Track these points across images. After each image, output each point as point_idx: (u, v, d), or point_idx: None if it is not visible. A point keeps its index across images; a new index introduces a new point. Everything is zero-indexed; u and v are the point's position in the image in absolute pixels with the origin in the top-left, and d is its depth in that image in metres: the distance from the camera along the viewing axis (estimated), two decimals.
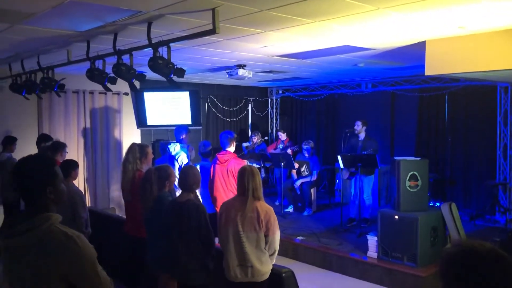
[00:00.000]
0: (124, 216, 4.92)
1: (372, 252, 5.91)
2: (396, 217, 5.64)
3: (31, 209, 1.94)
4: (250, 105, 11.28)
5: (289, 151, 8.75)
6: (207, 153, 5.95)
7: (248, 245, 3.52)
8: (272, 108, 11.75)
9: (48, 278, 1.86)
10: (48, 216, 1.92)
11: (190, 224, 3.57)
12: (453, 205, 5.84)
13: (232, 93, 10.85)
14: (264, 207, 3.56)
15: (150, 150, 4.67)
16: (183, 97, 8.88)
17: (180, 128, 6.45)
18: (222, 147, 5.49)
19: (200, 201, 3.76)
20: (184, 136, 6.31)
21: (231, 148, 5.46)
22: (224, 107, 10.73)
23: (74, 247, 1.87)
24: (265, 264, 3.56)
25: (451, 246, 1.56)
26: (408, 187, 5.70)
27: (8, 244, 1.92)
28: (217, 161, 5.42)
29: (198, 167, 5.57)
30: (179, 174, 3.80)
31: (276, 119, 11.77)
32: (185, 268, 3.60)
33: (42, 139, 6.67)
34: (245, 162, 5.43)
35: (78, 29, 4.37)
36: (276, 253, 3.67)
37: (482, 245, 1.47)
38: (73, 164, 4.66)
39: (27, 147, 7.13)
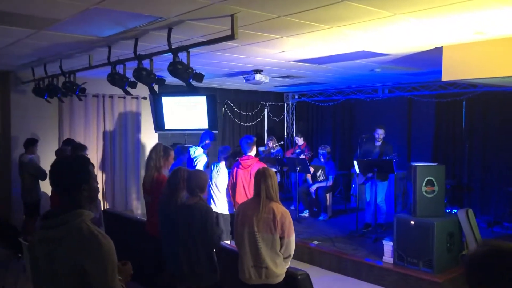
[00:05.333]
0: (141, 217, 5.00)
1: (388, 257, 5.89)
2: (412, 222, 5.62)
3: (67, 205, 2.04)
4: (266, 110, 11.34)
5: (302, 156, 8.77)
6: (227, 158, 6.00)
7: (263, 246, 3.55)
8: (288, 113, 11.79)
9: (69, 272, 1.92)
10: (81, 212, 2.02)
11: (199, 225, 3.61)
12: (470, 211, 5.80)
13: (248, 98, 10.94)
14: (280, 209, 3.59)
15: (172, 153, 4.79)
16: (200, 101, 8.99)
17: (207, 134, 6.62)
18: (243, 152, 5.55)
19: (207, 203, 3.80)
20: (208, 141, 6.46)
21: (252, 153, 5.50)
22: (241, 112, 10.82)
23: (96, 245, 1.94)
24: (279, 266, 3.59)
25: (479, 246, 1.50)
26: (424, 193, 5.68)
27: (42, 236, 2.02)
28: (240, 166, 5.44)
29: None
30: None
31: (292, 124, 11.80)
32: (193, 271, 3.63)
33: (65, 144, 6.75)
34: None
35: (100, 35, 4.48)
36: (291, 257, 3.69)
37: (509, 244, 1.44)
38: None
39: (48, 150, 7.30)
